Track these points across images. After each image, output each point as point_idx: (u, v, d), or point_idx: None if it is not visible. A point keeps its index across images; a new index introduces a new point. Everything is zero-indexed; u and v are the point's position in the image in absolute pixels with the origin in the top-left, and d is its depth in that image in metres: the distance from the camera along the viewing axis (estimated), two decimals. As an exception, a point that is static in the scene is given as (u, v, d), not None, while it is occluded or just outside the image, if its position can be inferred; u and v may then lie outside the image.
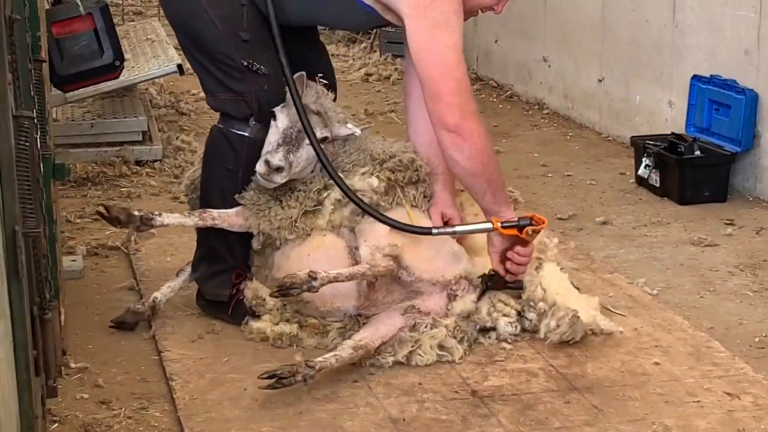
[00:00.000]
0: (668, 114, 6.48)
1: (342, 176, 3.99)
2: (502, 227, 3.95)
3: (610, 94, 7.07)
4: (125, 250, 5.02)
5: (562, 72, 7.64)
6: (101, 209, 4.14)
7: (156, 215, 4.14)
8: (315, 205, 4.05)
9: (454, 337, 3.95)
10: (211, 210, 4.15)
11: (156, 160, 6.31)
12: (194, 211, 4.19)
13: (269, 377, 3.62)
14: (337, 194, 4.02)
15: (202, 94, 7.68)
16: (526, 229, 3.94)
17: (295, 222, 4.04)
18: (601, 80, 7.15)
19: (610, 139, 7.03)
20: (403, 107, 4.42)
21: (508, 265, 4.03)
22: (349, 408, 3.61)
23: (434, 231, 3.96)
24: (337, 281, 3.84)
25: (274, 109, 4.03)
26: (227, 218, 4.14)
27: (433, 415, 3.56)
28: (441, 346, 3.92)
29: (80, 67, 5.98)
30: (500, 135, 7.13)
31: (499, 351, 4.00)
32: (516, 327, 4.07)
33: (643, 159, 5.97)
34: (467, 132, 3.85)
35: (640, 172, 6.00)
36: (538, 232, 3.97)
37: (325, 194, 4.05)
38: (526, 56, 8.09)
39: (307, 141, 3.95)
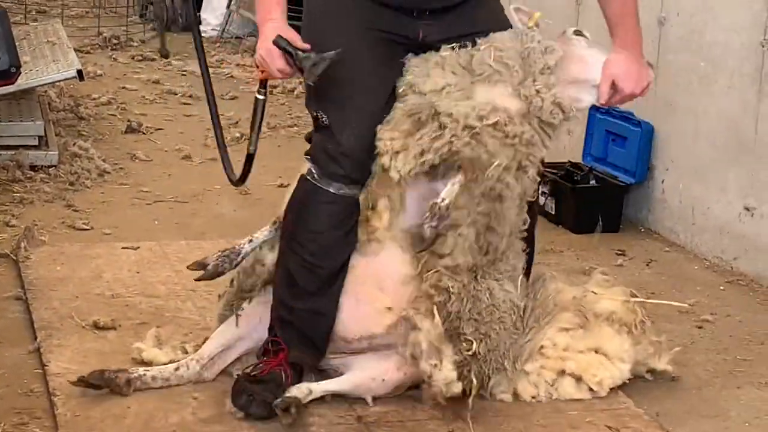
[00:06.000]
0: (566, 142, 6.54)
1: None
2: None
3: (510, 118, 7.11)
4: (14, 257, 4.93)
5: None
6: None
7: None
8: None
9: None
10: None
11: (51, 166, 6.20)
12: None
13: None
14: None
15: (102, 99, 7.72)
16: None
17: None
18: (502, 104, 7.19)
19: (509, 163, 7.07)
20: None
21: None
22: (233, 429, 3.59)
23: None
24: None
25: None
26: None
27: (318, 440, 3.56)
28: None
29: (-25, 71, 5.86)
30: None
31: (389, 375, 4.00)
32: None
33: (539, 186, 6.01)
34: None
35: (536, 198, 6.06)
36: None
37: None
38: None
39: None
